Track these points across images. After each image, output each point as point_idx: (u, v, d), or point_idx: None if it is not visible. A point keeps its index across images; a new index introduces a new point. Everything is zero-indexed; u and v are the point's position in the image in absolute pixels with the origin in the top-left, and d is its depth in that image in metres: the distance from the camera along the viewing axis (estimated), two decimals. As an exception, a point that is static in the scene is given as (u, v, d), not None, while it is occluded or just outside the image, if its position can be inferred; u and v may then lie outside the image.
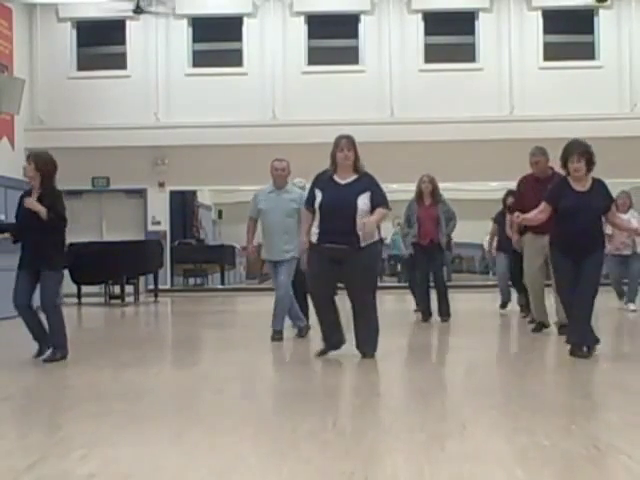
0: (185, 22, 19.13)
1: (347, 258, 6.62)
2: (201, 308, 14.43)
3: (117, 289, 15.34)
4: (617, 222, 7.43)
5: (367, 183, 6.75)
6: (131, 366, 6.91)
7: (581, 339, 6.81)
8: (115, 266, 14.73)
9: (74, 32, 19.17)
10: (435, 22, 18.93)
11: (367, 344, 6.82)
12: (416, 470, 3.45)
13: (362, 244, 6.64)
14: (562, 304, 7.06)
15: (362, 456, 3.70)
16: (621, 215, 11.77)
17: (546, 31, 18.85)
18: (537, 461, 3.59)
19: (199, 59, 19.16)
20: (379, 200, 6.73)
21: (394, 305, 14.51)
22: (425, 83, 18.48)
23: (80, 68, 19.12)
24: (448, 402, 5.17)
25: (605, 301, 12.23)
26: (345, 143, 6.76)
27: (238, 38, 19.03)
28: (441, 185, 10.64)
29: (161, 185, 18.79)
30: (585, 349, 6.80)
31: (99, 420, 4.60)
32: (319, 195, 6.77)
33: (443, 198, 10.61)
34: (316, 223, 6.78)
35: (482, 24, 18.94)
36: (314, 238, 6.79)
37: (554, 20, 18.83)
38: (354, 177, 6.77)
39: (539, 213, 7.10)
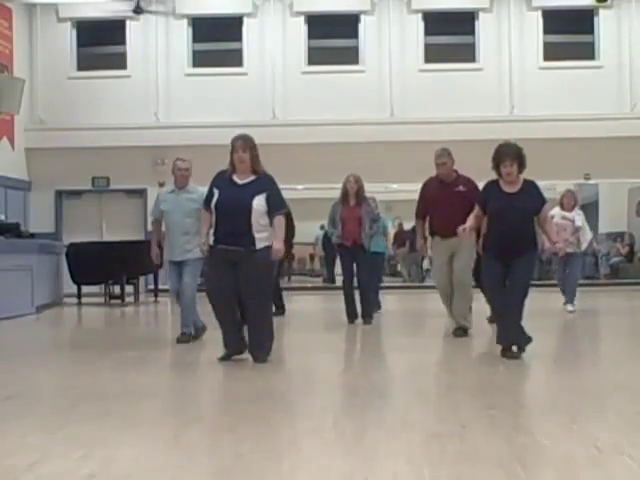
0: (185, 22, 19.11)
1: (242, 260, 6.54)
2: (201, 308, 14.41)
3: (117, 289, 15.34)
4: (546, 227, 7.23)
5: (265, 184, 6.69)
6: (131, 366, 6.91)
7: (510, 340, 6.82)
8: (115, 266, 14.72)
9: (74, 32, 19.14)
10: (435, 22, 18.91)
11: (259, 348, 6.73)
12: (416, 470, 3.45)
13: (257, 246, 6.56)
14: (490, 305, 7.05)
15: (362, 456, 3.70)
16: (566, 214, 11.81)
17: (546, 31, 18.83)
18: (537, 461, 3.59)
19: (199, 59, 19.14)
20: (276, 203, 6.68)
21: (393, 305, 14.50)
22: (425, 83, 18.47)
23: (80, 68, 19.09)
24: (448, 402, 5.17)
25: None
26: (240, 145, 6.70)
27: (238, 38, 19.01)
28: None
29: (161, 185, 18.69)
30: (515, 349, 6.83)
31: (99, 420, 4.61)
32: (216, 194, 6.71)
33: (368, 200, 10.66)
34: (213, 224, 6.72)
35: (482, 24, 18.92)
36: (211, 240, 6.73)
37: (554, 20, 18.81)
38: (252, 178, 6.70)
39: (475, 218, 7.13)
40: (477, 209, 7.12)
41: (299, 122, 18.12)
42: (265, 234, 6.62)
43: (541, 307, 11.93)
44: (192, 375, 6.47)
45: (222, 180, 6.78)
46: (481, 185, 7.53)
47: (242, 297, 6.69)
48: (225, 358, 6.85)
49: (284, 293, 12.10)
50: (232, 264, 6.58)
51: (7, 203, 17.42)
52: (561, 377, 6.34)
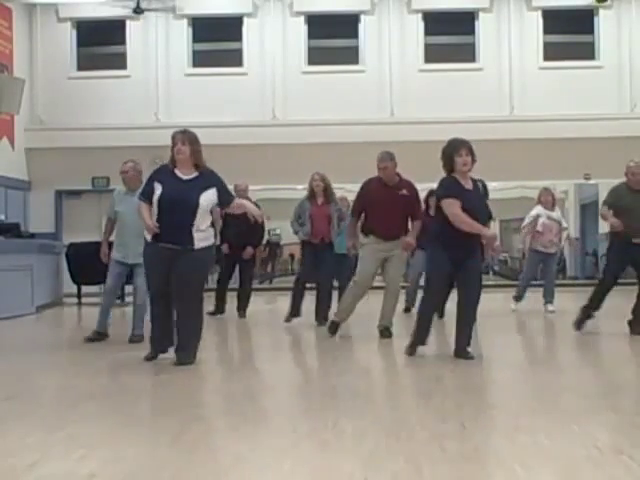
0: (185, 22, 19.11)
1: (178, 258, 6.46)
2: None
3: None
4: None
5: (211, 180, 6.63)
6: (131, 366, 6.90)
7: (467, 340, 6.84)
8: (115, 266, 14.69)
9: (74, 32, 19.14)
10: (435, 22, 18.92)
11: (183, 350, 6.62)
12: (416, 470, 3.45)
13: (195, 246, 6.48)
14: (428, 304, 7.02)
15: (362, 456, 3.70)
16: (551, 214, 11.81)
17: (546, 31, 18.84)
18: (537, 461, 3.59)
19: (199, 59, 19.15)
20: (227, 197, 6.75)
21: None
22: (425, 83, 18.48)
23: (80, 68, 19.10)
24: (448, 402, 5.17)
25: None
26: (179, 137, 6.65)
27: (238, 38, 19.02)
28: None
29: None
30: (469, 349, 6.82)
31: (99, 420, 4.61)
32: (158, 188, 6.55)
33: (338, 199, 10.57)
34: (153, 218, 6.56)
35: (482, 24, 18.93)
36: (149, 237, 6.61)
37: (554, 20, 18.82)
38: (196, 174, 6.63)
39: (459, 210, 6.70)
40: (455, 202, 6.64)
41: (299, 122, 18.12)
42: (204, 234, 6.55)
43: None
44: (191, 375, 6.46)
45: (164, 174, 6.64)
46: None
47: (174, 295, 6.56)
48: (151, 358, 6.77)
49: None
50: (168, 260, 6.48)
51: (7, 203, 17.43)
52: (561, 377, 6.34)
